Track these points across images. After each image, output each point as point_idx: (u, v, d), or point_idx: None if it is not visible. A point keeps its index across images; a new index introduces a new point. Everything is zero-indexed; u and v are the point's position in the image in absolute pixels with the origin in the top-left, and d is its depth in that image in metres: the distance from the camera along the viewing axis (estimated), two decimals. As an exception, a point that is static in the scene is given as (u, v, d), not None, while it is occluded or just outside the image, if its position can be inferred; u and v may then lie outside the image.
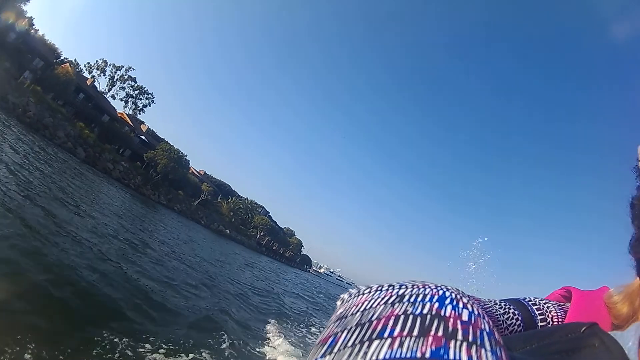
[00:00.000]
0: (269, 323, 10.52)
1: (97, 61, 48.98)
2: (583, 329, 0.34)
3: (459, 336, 0.20)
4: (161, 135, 56.05)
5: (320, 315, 18.20)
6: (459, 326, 0.21)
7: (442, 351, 0.19)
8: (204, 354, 6.15)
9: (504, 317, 0.47)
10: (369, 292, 0.27)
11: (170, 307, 7.56)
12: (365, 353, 0.19)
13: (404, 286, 0.26)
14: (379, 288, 0.27)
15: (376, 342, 0.20)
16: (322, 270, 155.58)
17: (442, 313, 0.22)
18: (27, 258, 5.73)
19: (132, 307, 6.53)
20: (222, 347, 6.80)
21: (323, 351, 0.21)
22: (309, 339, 10.99)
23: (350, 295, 0.29)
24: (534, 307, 0.53)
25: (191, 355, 5.83)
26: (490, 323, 0.23)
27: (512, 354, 0.25)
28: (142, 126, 52.21)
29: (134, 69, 50.81)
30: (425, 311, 0.22)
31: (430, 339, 0.20)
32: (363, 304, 0.25)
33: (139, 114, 51.97)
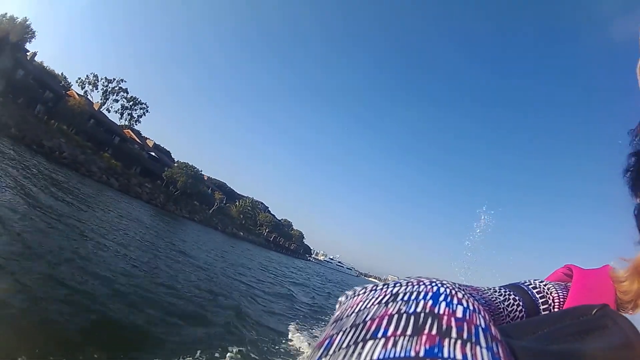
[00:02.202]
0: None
1: (87, 76, 48.42)
2: (594, 310, 0.33)
3: (453, 334, 0.20)
4: (155, 140, 57.07)
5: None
6: (453, 323, 0.21)
7: (436, 350, 0.18)
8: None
9: (504, 304, 0.45)
10: (364, 293, 0.27)
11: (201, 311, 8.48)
12: (360, 354, 0.19)
13: (398, 284, 0.27)
14: (374, 288, 0.28)
15: (370, 343, 0.20)
16: (321, 257, 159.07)
17: (436, 310, 0.22)
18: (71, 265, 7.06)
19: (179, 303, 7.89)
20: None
21: (319, 354, 0.21)
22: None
23: (347, 297, 0.29)
24: (535, 291, 0.51)
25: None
26: (487, 317, 0.23)
27: (516, 342, 0.25)
28: (147, 141, 52.38)
29: (125, 81, 50.58)
30: (418, 309, 0.22)
31: (424, 337, 0.19)
32: (358, 304, 0.25)
33: (135, 124, 52.14)
